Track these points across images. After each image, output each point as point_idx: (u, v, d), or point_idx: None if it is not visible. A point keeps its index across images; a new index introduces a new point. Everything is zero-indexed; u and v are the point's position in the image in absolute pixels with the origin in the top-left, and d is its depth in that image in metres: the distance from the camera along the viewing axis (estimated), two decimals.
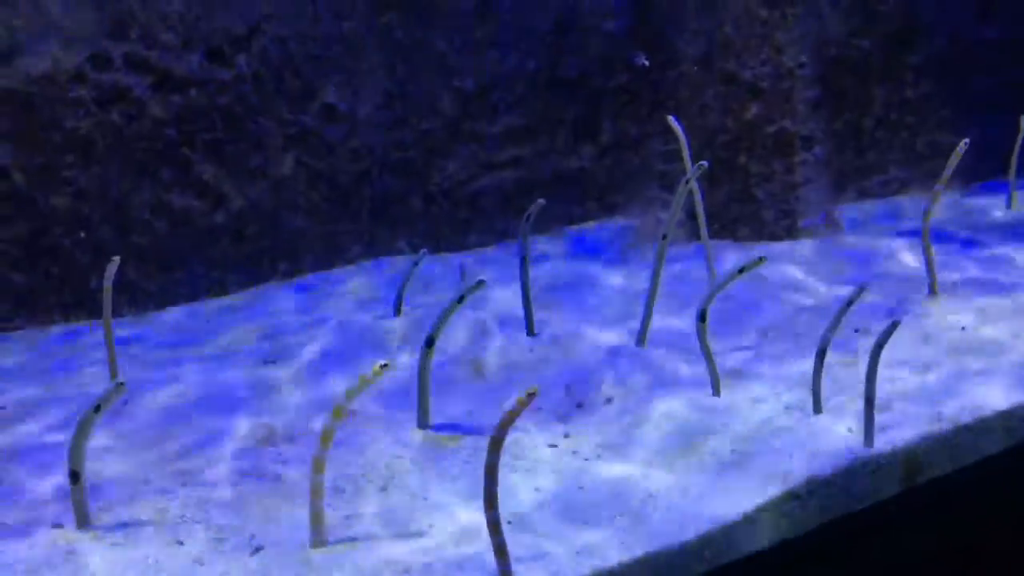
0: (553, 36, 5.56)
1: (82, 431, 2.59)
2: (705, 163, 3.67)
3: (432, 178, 5.40)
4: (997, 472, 3.01)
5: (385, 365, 2.48)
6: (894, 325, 2.84)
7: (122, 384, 2.58)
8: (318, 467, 2.53)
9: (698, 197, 4.53)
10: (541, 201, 3.87)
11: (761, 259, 3.24)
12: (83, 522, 2.58)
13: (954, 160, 3.97)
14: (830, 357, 3.33)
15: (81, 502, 2.57)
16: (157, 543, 2.53)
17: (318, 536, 2.54)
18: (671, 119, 4.48)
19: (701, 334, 3.27)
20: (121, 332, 4.35)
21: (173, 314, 4.71)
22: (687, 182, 3.61)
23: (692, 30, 5.26)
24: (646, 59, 5.26)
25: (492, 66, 5.45)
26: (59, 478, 2.82)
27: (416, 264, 4.40)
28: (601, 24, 5.63)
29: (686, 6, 5.28)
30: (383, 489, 2.81)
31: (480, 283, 3.13)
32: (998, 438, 3.04)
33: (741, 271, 3.24)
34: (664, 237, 3.71)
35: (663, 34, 5.45)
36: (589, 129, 5.69)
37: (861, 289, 3.03)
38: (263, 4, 4.93)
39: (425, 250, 4.53)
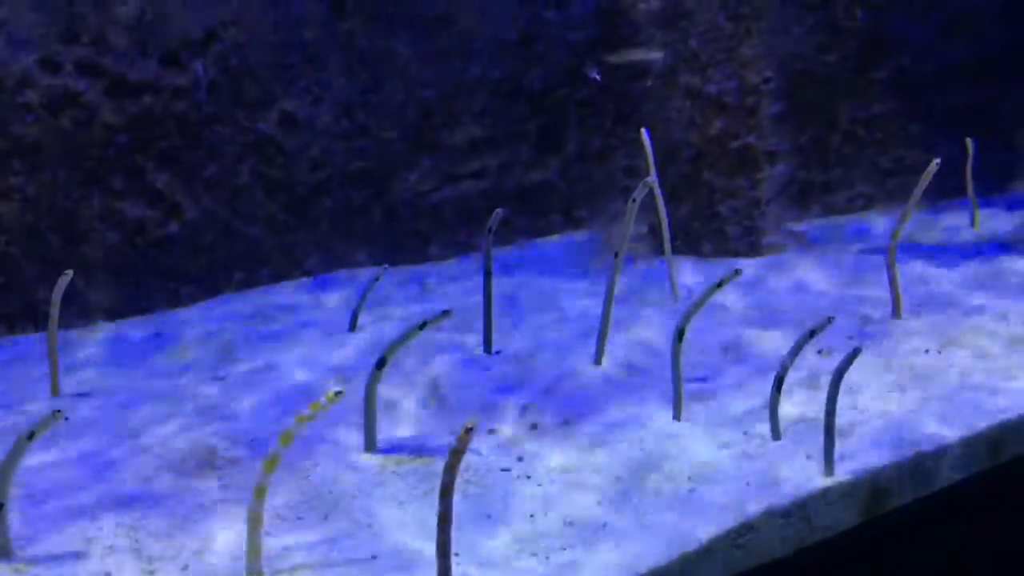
0: (518, 47, 5.49)
1: (12, 459, 2.46)
2: (653, 178, 3.58)
3: (393, 189, 5.31)
4: (960, 500, 2.94)
5: (340, 392, 2.38)
6: (856, 352, 2.77)
7: (59, 412, 2.46)
8: (259, 495, 2.42)
9: (663, 213, 4.46)
10: (499, 211, 3.78)
11: (737, 271, 3.18)
12: (5, 553, 2.45)
13: (924, 181, 3.91)
14: (791, 381, 3.26)
15: (3, 532, 2.44)
16: (83, 575, 2.41)
17: (254, 567, 2.42)
18: (644, 132, 4.40)
19: (675, 354, 3.19)
20: (68, 345, 4.22)
21: (123, 327, 4.58)
22: (634, 200, 3.53)
23: (657, 43, 5.19)
24: (598, 74, 5.20)
25: (455, 76, 5.36)
26: None
27: (376, 279, 4.29)
28: (566, 35, 5.56)
29: (652, 19, 5.22)
30: (325, 517, 2.70)
31: (446, 313, 3.03)
32: (961, 465, 2.97)
33: (719, 285, 3.17)
34: (616, 255, 3.63)
35: (629, 47, 5.38)
36: (553, 141, 5.62)
37: (828, 320, 2.95)
38: (221, 9, 4.82)
39: (386, 265, 4.42)
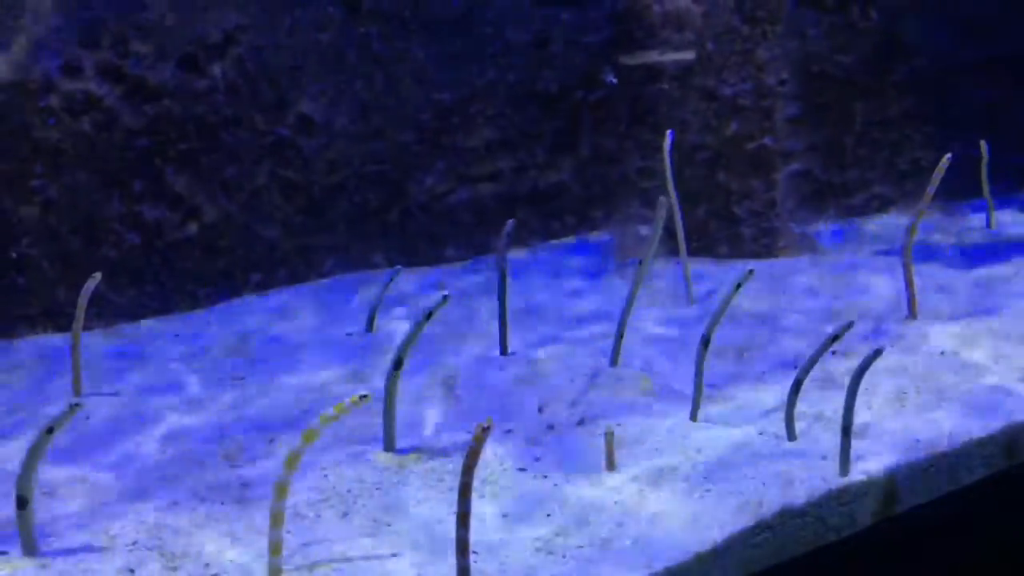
0: (533, 49, 5.51)
1: (33, 455, 2.50)
2: (667, 199, 3.62)
3: (409, 191, 5.34)
4: (975, 501, 2.95)
5: (365, 396, 2.41)
6: (877, 353, 2.78)
7: (77, 405, 2.49)
8: (280, 493, 2.45)
9: (677, 216, 4.48)
10: (511, 221, 3.84)
11: (750, 272, 3.20)
12: (30, 549, 2.49)
13: (937, 176, 3.90)
14: (806, 380, 3.27)
15: (28, 528, 2.48)
16: (106, 571, 2.44)
17: (275, 565, 2.45)
18: (668, 135, 4.42)
19: (700, 360, 3.21)
20: (88, 346, 4.27)
21: (143, 327, 4.62)
22: (658, 223, 3.56)
23: (672, 46, 5.20)
24: (614, 77, 5.22)
25: (471, 79, 5.39)
26: (7, 501, 2.72)
27: (391, 280, 4.33)
28: (581, 38, 5.58)
29: (667, 21, 5.23)
30: (345, 515, 2.72)
31: (445, 299, 3.06)
32: (976, 466, 2.98)
33: (738, 287, 3.20)
34: (641, 263, 3.65)
35: (643, 49, 5.40)
36: (568, 143, 5.64)
37: (849, 325, 2.96)
38: (239, 13, 4.86)
39: (400, 267, 4.46)
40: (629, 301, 3.69)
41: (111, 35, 4.61)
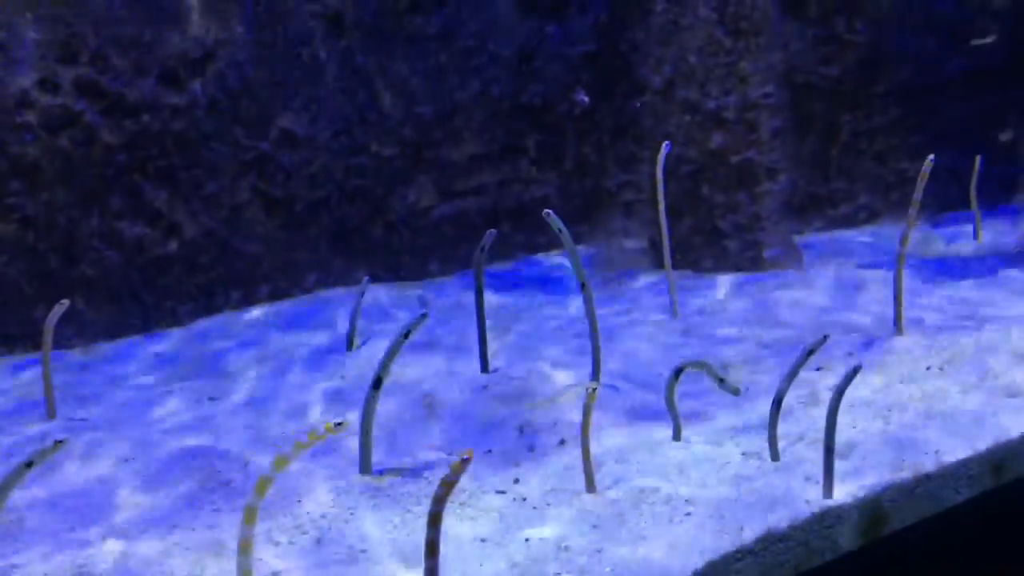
0: (517, 63, 5.47)
1: (6, 487, 2.44)
2: (549, 212, 3.59)
3: (392, 206, 5.29)
4: (962, 522, 2.90)
5: (340, 424, 2.35)
6: (856, 370, 2.73)
7: (61, 442, 2.44)
8: (249, 517, 2.39)
9: (664, 229, 4.43)
10: (493, 231, 3.78)
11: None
12: None
13: (921, 182, 3.84)
14: (790, 398, 3.22)
15: None
16: None
17: None
18: (665, 147, 4.35)
19: (671, 385, 3.15)
20: (66, 365, 4.22)
21: (121, 346, 4.56)
22: (560, 231, 3.51)
23: (656, 58, 5.17)
24: (585, 95, 5.18)
25: (454, 92, 5.35)
26: None
27: (362, 294, 4.28)
28: (565, 51, 5.54)
29: (650, 34, 5.19)
30: (319, 541, 2.66)
31: (423, 316, 3.01)
32: (963, 486, 2.93)
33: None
34: (583, 286, 3.61)
35: (627, 62, 5.36)
36: (552, 157, 5.60)
37: (824, 339, 2.91)
38: (219, 28, 4.81)
39: (368, 278, 4.41)
40: (591, 322, 3.64)
41: (89, 50, 4.56)
